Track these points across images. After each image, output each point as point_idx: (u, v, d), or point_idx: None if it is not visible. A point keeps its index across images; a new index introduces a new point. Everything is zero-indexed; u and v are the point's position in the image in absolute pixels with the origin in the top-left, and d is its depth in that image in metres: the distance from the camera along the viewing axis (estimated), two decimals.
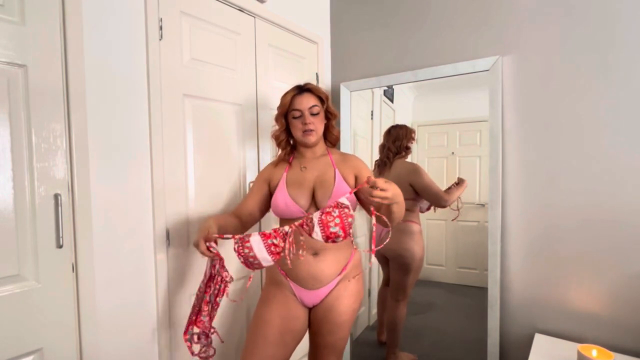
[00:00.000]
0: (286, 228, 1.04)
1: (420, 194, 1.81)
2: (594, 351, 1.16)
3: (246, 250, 1.02)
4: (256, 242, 1.02)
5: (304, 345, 1.44)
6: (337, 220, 0.99)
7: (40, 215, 0.99)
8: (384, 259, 1.97)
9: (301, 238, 1.06)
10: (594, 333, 1.36)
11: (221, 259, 1.06)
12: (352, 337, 2.02)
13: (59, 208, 1.01)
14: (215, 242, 1.06)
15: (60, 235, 1.01)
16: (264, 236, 1.03)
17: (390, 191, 0.96)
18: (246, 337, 1.23)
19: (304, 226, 1.03)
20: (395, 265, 1.89)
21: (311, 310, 1.27)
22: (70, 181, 1.04)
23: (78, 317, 1.06)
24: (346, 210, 1.00)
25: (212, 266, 1.08)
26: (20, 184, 0.95)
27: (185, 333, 1.11)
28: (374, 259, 1.01)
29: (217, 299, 1.07)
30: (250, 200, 1.30)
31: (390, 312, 1.90)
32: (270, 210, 1.29)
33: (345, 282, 1.24)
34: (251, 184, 1.60)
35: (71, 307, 1.05)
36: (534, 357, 1.26)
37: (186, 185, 1.36)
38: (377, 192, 0.94)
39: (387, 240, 1.08)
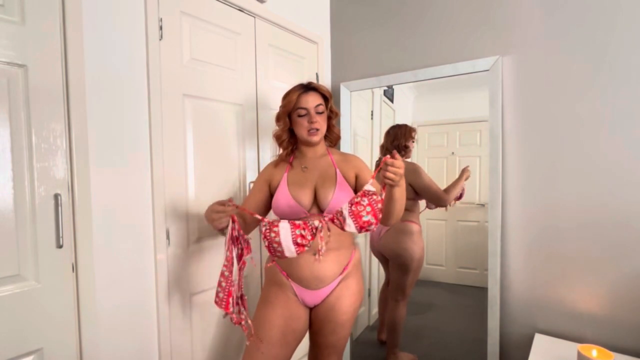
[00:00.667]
0: (316, 223, 1.03)
1: (420, 194, 1.81)
2: (594, 351, 1.16)
3: (272, 235, 1.01)
4: (284, 229, 1.01)
5: (304, 345, 1.44)
6: (369, 209, 0.99)
7: (40, 215, 0.98)
8: (384, 258, 1.97)
9: (328, 233, 1.07)
10: (594, 333, 1.36)
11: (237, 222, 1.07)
12: (352, 337, 2.01)
13: (59, 208, 1.01)
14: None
15: (60, 235, 1.01)
16: (293, 225, 1.02)
17: (403, 168, 1.00)
18: (248, 338, 1.22)
19: (335, 221, 1.03)
20: (394, 265, 1.89)
21: (312, 310, 1.27)
22: (70, 181, 1.04)
23: (78, 317, 1.06)
24: (374, 196, 1.00)
25: (232, 229, 1.07)
26: (20, 184, 0.95)
27: (227, 307, 1.09)
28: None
29: (244, 257, 1.07)
30: (252, 201, 1.29)
31: (390, 312, 1.90)
32: (272, 211, 1.29)
33: (347, 281, 1.24)
34: (251, 184, 1.60)
35: (71, 307, 1.05)
36: (534, 357, 1.25)
37: (186, 185, 1.36)
38: (391, 168, 0.98)
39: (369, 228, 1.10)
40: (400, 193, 1.09)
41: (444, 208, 1.82)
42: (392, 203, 1.10)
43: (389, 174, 0.99)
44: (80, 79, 1.05)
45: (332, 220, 1.03)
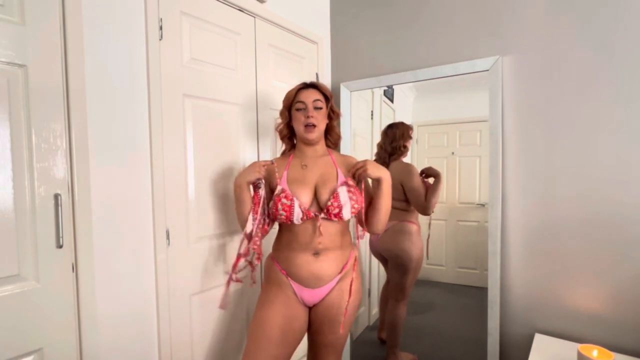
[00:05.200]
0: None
1: (407, 194, 1.81)
2: (594, 351, 1.16)
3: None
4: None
5: (304, 345, 1.44)
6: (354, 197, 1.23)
7: (40, 215, 0.98)
8: (384, 258, 1.97)
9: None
10: (594, 333, 1.36)
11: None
12: (352, 337, 2.01)
13: (59, 208, 1.01)
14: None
15: (60, 235, 1.01)
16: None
17: (369, 163, 1.21)
18: (248, 337, 1.23)
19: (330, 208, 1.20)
20: (393, 265, 1.89)
21: (311, 309, 1.27)
22: (70, 181, 1.04)
23: (78, 317, 1.06)
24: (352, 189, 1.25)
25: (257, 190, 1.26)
26: (20, 184, 0.95)
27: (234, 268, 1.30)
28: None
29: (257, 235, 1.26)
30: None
31: (390, 311, 1.90)
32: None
33: (345, 280, 1.24)
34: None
35: (71, 307, 1.05)
36: (534, 357, 1.26)
37: (186, 185, 1.36)
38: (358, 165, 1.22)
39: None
40: (386, 187, 1.24)
41: (426, 216, 1.85)
42: (380, 197, 1.24)
43: (359, 171, 1.21)
44: (80, 79, 1.05)
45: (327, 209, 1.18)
